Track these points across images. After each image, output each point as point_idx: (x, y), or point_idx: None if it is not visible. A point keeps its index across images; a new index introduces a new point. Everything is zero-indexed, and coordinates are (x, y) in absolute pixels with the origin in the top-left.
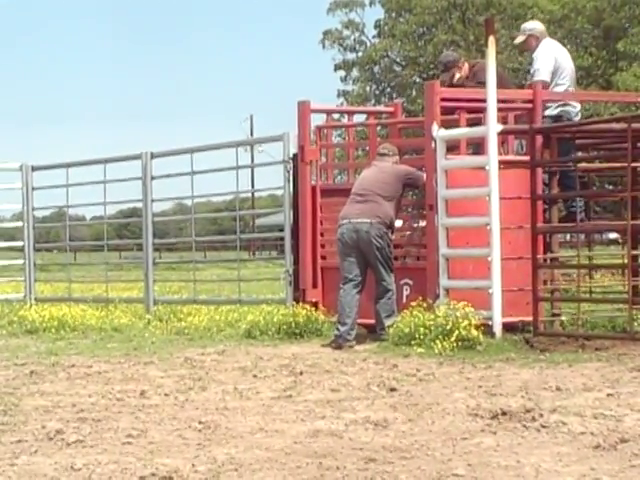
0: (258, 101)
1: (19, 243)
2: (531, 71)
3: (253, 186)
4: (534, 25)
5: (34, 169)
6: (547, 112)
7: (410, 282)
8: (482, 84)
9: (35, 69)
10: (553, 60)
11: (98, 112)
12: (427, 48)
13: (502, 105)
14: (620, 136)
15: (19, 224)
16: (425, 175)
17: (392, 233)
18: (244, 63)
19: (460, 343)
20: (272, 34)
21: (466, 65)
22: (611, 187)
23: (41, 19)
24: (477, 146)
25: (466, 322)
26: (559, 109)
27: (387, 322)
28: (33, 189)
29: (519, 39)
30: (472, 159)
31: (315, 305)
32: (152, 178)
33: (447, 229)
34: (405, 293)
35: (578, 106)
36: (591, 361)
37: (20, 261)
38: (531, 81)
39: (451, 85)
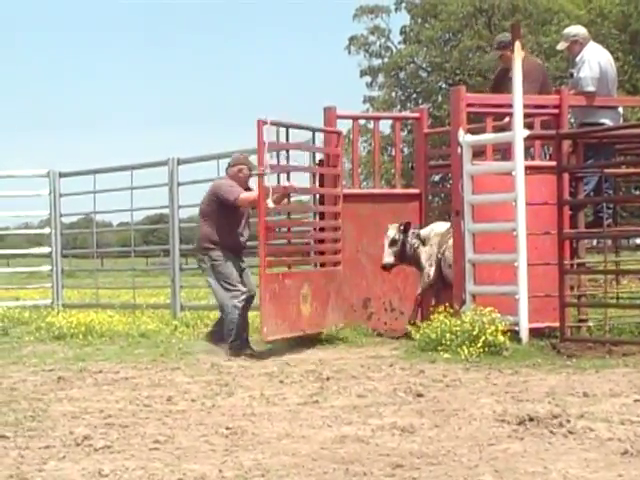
0: (284, 107)
1: (47, 249)
2: (575, 76)
3: None
4: (577, 30)
5: (61, 176)
6: (591, 119)
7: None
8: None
9: (62, 76)
10: (598, 67)
11: (125, 118)
12: (453, 54)
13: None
14: None
15: (47, 230)
16: (238, 192)
17: (220, 249)
18: (270, 69)
19: (487, 349)
20: (298, 40)
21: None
22: (638, 192)
23: (66, 26)
24: (504, 152)
25: (493, 328)
26: (602, 117)
27: (224, 348)
28: (60, 195)
29: (562, 45)
30: (498, 164)
31: None
32: (179, 184)
33: (473, 235)
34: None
35: (621, 111)
36: (618, 367)
37: (48, 267)
38: (577, 90)
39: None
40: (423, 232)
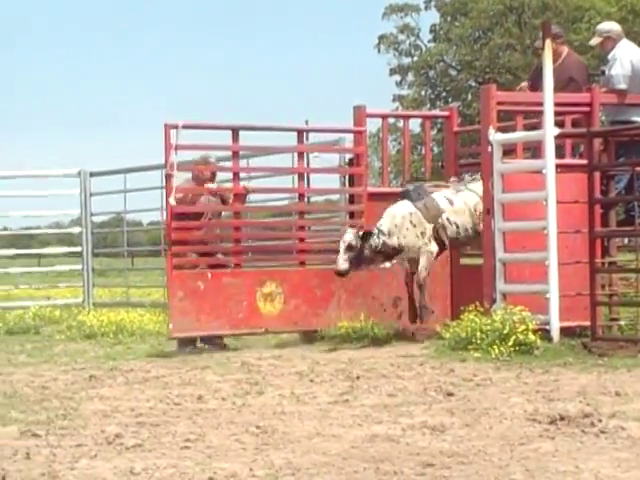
0: (313, 106)
1: (77, 248)
2: (606, 73)
3: None
4: (610, 27)
5: (92, 175)
6: (622, 117)
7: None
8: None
9: (91, 75)
10: (630, 65)
11: (155, 118)
12: (483, 52)
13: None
14: None
15: (77, 230)
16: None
17: None
18: (299, 67)
19: (517, 348)
20: (327, 39)
21: (565, 50)
22: None
23: (92, 26)
24: (534, 150)
25: (523, 327)
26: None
27: None
28: (91, 195)
29: (595, 41)
30: (529, 163)
31: None
32: None
33: (504, 233)
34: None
35: None
36: None
37: (78, 266)
38: (609, 88)
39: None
40: (386, 225)
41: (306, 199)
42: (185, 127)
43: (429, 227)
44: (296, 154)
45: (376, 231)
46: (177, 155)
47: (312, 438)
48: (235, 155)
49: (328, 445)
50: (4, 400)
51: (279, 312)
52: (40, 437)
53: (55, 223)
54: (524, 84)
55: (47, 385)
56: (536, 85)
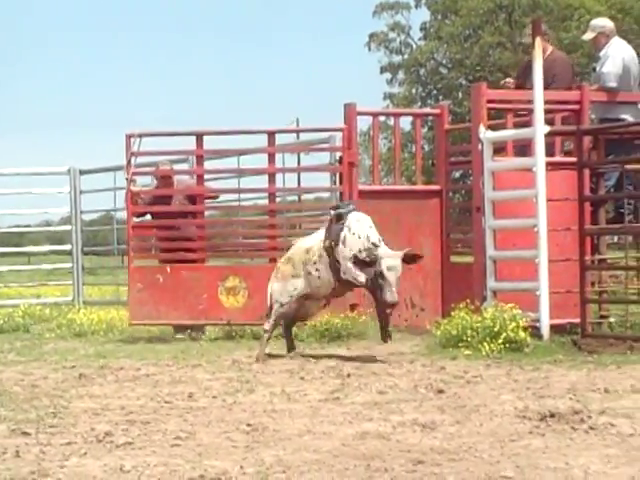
0: (304, 103)
1: (67, 247)
2: (597, 71)
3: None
4: (604, 23)
5: (82, 173)
6: (611, 115)
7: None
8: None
9: (81, 73)
10: (621, 63)
11: (146, 117)
12: (473, 50)
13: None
14: None
15: (67, 228)
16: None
17: None
18: (289, 66)
19: (507, 345)
20: (317, 37)
21: (549, 48)
22: None
23: (87, 26)
24: (522, 148)
25: (513, 324)
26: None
27: None
28: (81, 192)
29: (588, 35)
30: (519, 161)
31: (353, 308)
32: None
33: (494, 231)
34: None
35: None
36: (639, 363)
37: (68, 264)
38: (599, 85)
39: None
40: None
41: (297, 198)
42: (142, 136)
43: None
44: (276, 155)
45: None
46: (136, 160)
47: (303, 436)
48: (200, 159)
49: (319, 443)
50: None
51: (243, 306)
52: (30, 435)
53: (44, 221)
54: (509, 79)
55: (37, 383)
56: (523, 82)
